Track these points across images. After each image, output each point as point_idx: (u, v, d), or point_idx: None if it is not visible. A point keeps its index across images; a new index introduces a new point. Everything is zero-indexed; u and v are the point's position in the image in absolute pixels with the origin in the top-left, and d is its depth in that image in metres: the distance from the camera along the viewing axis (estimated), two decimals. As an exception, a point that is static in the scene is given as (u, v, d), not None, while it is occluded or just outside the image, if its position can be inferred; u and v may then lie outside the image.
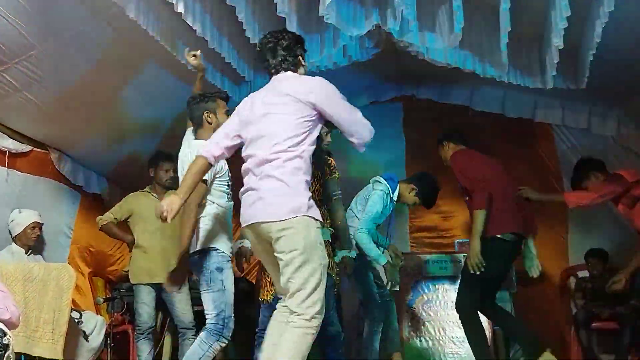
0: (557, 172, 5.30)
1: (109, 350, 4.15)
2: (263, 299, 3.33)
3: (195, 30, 3.43)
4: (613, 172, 4.00)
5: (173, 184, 4.50)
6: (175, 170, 4.45)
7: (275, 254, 2.48)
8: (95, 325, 4.08)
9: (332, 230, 3.36)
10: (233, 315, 3.00)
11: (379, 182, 4.05)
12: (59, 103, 3.88)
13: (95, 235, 4.61)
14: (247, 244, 3.35)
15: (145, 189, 4.45)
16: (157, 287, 4.24)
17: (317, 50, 4.00)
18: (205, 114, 3.17)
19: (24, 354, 3.31)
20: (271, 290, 3.27)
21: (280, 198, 2.46)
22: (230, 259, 3.08)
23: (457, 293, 3.83)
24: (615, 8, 3.06)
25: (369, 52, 4.49)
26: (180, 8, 3.18)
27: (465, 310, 3.72)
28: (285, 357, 2.37)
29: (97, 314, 4.40)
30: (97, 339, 4.04)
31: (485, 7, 3.70)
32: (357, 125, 2.64)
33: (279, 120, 2.55)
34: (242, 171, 2.63)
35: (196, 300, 4.37)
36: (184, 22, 3.36)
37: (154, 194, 4.40)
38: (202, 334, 2.98)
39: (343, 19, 3.51)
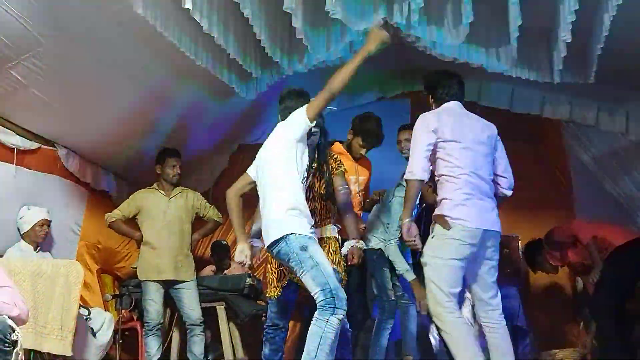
0: (566, 168, 5.26)
1: (117, 346, 4.17)
2: (270, 295, 3.33)
3: (202, 26, 3.42)
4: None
5: (180, 180, 4.51)
6: (181, 166, 4.46)
7: (487, 259, 3.09)
8: (103, 322, 4.10)
9: (339, 226, 3.36)
10: (339, 285, 2.83)
11: (403, 185, 3.81)
12: (66, 100, 3.88)
13: (104, 232, 4.63)
14: (255, 242, 3.35)
15: (152, 186, 4.46)
16: (165, 284, 4.26)
17: (323, 46, 3.98)
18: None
19: (33, 350, 3.33)
20: (277, 287, 3.27)
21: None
22: (311, 236, 2.92)
23: None
24: (624, 1, 3.03)
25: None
26: (187, 4, 3.17)
27: None
28: None
29: (105, 310, 4.42)
30: (105, 335, 4.05)
31: (493, 1, 3.67)
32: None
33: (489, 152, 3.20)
34: (460, 175, 3.05)
35: (204, 297, 4.40)
36: (191, 19, 3.35)
37: (162, 191, 4.41)
38: (316, 313, 2.80)
39: (350, 14, 3.49)
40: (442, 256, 3.00)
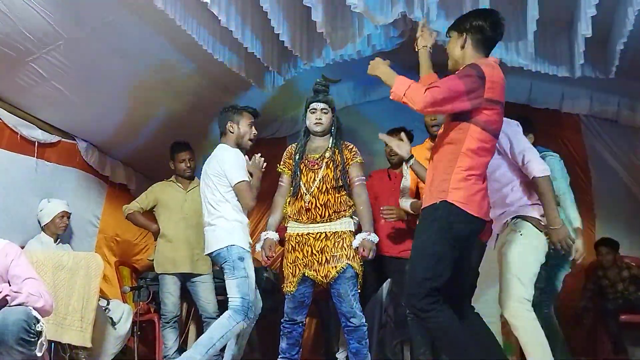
0: (585, 163, 5.20)
1: (135, 338, 4.21)
2: (286, 290, 3.33)
3: (220, 20, 3.43)
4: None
5: (193, 174, 4.50)
6: (192, 159, 4.45)
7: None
8: (122, 314, 4.14)
9: (357, 219, 3.33)
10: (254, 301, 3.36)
11: None
12: (86, 93, 3.91)
13: (122, 224, 4.67)
14: (271, 235, 3.35)
15: (170, 179, 4.48)
16: (182, 277, 4.28)
17: (342, 40, 3.96)
18: (229, 124, 3.56)
19: (54, 341, 3.38)
20: (293, 282, 3.27)
21: None
22: (249, 251, 3.41)
23: None
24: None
25: (394, 41, 4.43)
26: (206, -2, 3.18)
27: None
28: None
29: (123, 302, 4.46)
30: (124, 326, 4.09)
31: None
32: None
33: None
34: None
35: (220, 290, 4.42)
36: (211, 12, 3.35)
37: (179, 184, 4.43)
38: (229, 311, 3.29)
39: (370, 8, 3.47)
40: (535, 256, 2.93)
